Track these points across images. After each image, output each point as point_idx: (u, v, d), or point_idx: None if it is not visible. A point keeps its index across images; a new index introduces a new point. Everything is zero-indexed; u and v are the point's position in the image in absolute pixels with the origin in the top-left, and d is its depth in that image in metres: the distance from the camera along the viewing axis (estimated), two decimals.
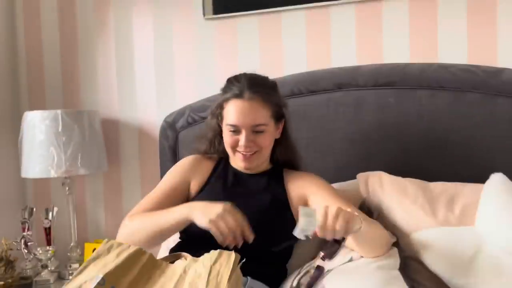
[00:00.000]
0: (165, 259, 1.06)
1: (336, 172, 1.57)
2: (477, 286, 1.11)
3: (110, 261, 0.97)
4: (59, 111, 1.79)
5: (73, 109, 2.04)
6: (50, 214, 1.88)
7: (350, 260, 1.11)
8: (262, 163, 1.32)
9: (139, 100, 1.99)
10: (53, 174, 1.78)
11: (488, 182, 1.28)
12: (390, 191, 1.35)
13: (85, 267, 0.99)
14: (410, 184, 1.37)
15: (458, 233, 1.19)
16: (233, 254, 0.96)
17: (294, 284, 1.11)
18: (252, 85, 1.21)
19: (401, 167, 1.53)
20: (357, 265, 1.09)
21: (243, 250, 1.02)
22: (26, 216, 1.86)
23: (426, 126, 1.56)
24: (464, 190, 1.33)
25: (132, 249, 1.00)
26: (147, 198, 1.28)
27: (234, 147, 1.24)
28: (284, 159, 1.35)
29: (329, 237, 0.96)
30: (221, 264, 0.94)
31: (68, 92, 2.09)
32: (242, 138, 1.22)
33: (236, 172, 1.31)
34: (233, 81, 1.25)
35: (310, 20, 1.79)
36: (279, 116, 1.29)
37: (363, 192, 1.39)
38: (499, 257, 1.11)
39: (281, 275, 1.24)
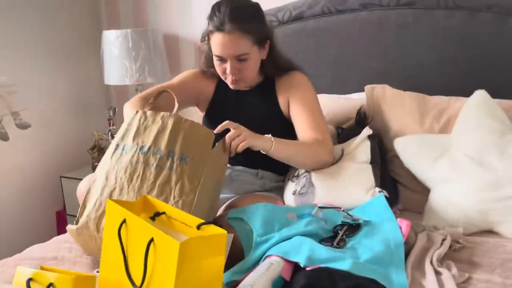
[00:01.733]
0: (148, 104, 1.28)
1: (359, 84, 1.79)
2: (436, 180, 1.36)
3: (122, 128, 1.18)
4: (128, 30, 2.17)
5: (140, 27, 2.41)
6: None
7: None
8: (252, 81, 1.44)
9: (194, 17, 2.30)
10: (127, 81, 2.22)
11: (471, 97, 1.45)
12: (390, 101, 1.58)
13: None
14: (409, 97, 1.58)
15: (432, 139, 1.42)
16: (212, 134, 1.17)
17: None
18: (232, 17, 1.27)
19: (415, 82, 1.73)
20: (337, 165, 1.38)
21: (249, 152, 1.27)
22: (111, 114, 2.35)
23: (440, 43, 1.70)
24: (456, 103, 1.52)
25: (132, 117, 1.19)
26: (157, 86, 1.47)
27: (223, 73, 1.37)
28: (274, 71, 1.45)
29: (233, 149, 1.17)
30: (204, 136, 1.15)
31: (138, 12, 2.45)
32: (227, 67, 1.33)
33: (234, 91, 1.44)
34: (215, 10, 1.31)
35: None
36: (262, 40, 1.35)
37: (368, 101, 1.63)
38: (458, 158, 1.33)
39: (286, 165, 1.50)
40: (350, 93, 1.81)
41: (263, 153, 1.26)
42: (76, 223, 1.11)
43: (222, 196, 1.41)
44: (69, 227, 1.12)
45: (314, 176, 1.34)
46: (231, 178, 1.44)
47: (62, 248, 1.25)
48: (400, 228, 1.13)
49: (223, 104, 1.48)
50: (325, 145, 1.35)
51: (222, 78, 1.40)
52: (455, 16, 1.66)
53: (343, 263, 0.98)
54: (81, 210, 1.13)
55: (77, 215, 1.13)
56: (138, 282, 0.83)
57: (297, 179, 1.40)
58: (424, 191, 1.41)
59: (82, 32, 2.47)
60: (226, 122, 1.21)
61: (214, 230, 0.87)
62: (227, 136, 1.19)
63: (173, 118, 1.15)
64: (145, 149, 1.13)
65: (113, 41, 2.18)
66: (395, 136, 1.50)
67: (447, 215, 1.28)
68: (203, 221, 0.89)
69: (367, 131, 1.44)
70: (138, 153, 1.12)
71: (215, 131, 1.19)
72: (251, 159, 1.41)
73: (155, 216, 0.97)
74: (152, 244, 0.82)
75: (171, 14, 2.36)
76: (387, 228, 1.13)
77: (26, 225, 2.24)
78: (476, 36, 1.63)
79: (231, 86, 1.40)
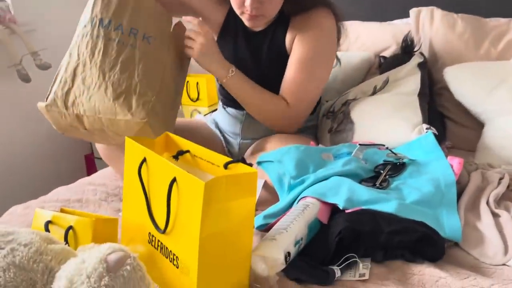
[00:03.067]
0: None
1: (402, 9, 1.59)
2: (492, 113, 1.21)
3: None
4: None
5: None
6: None
7: (373, 92, 1.25)
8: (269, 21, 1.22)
9: None
10: None
11: None
12: (438, 25, 1.40)
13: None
14: (461, 20, 1.39)
15: (489, 67, 1.24)
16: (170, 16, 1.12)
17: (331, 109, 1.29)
18: None
19: (467, 4, 1.52)
20: (380, 94, 1.24)
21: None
22: None
23: None
24: None
25: None
26: None
27: (241, 6, 1.13)
28: (294, 8, 1.20)
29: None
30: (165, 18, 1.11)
31: None
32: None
33: (245, 30, 1.26)
34: None
35: None
36: None
37: (413, 25, 1.44)
38: None
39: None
40: (392, 19, 1.62)
41: None
42: (46, 100, 1.08)
43: (244, 142, 1.33)
44: (39, 104, 1.09)
45: (353, 111, 1.22)
46: (253, 124, 1.29)
47: (87, 190, 1.21)
48: (451, 166, 1.00)
49: (229, 42, 1.28)
50: (288, 112, 1.19)
51: (238, 13, 1.16)
52: None
53: (387, 205, 0.88)
54: (51, 87, 1.09)
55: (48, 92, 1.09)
56: (162, 225, 0.76)
57: (332, 115, 1.28)
58: (476, 126, 1.26)
59: None
60: (198, 20, 1.10)
61: (243, 168, 0.78)
62: (186, 31, 1.09)
63: None
64: (105, 22, 1.06)
65: None
66: (445, 65, 1.33)
67: (504, 151, 1.13)
68: (230, 159, 0.80)
69: (417, 58, 1.27)
70: (98, 27, 1.06)
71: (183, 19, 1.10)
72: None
73: (178, 154, 0.88)
74: (175, 185, 0.74)
75: None
76: (437, 166, 1.01)
77: (55, 169, 2.24)
78: None
79: (247, 23, 1.17)
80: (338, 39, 1.27)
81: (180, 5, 1.28)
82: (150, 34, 1.06)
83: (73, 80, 1.05)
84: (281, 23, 1.22)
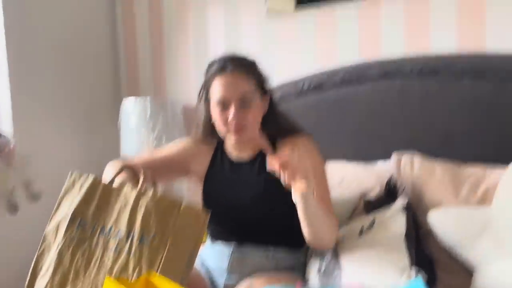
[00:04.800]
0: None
1: (383, 153, 1.69)
2: (480, 261, 1.20)
3: (75, 196, 1.09)
4: (148, 98, 2.17)
5: (159, 96, 2.42)
6: None
7: (361, 232, 1.27)
8: (254, 138, 1.32)
9: None
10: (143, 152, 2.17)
11: (510, 164, 1.34)
12: (419, 171, 1.47)
13: (59, 205, 1.10)
14: (440, 167, 1.47)
15: (470, 213, 1.28)
16: (178, 202, 1.07)
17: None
18: (232, 60, 1.26)
19: (444, 151, 1.62)
20: (367, 235, 1.25)
21: (254, 233, 1.22)
22: None
23: (467, 114, 1.62)
24: (492, 173, 1.40)
25: (90, 179, 1.10)
26: (142, 156, 1.41)
27: (225, 124, 1.25)
28: (276, 130, 1.34)
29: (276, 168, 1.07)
30: (169, 208, 1.06)
31: (157, 82, 2.48)
32: (231, 111, 1.23)
33: (231, 161, 1.35)
34: (213, 62, 1.29)
35: (362, 15, 1.91)
36: (263, 89, 1.31)
37: (395, 170, 1.52)
38: (504, 235, 1.19)
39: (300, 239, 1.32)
40: (375, 160, 1.71)
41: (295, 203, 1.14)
42: None
43: (230, 281, 1.29)
44: None
45: (341, 251, 1.21)
46: (241, 259, 1.30)
47: None
48: None
49: (218, 176, 1.35)
50: (336, 223, 1.25)
51: (223, 131, 1.28)
52: (483, 86, 1.59)
53: None
54: (28, 283, 1.05)
55: None
56: None
57: (321, 254, 1.27)
58: (465, 274, 1.25)
59: (102, 100, 2.49)
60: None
61: None
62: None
63: (135, 193, 1.09)
64: (106, 229, 1.07)
65: (131, 109, 2.17)
66: (428, 208, 1.37)
67: None
68: None
69: (402, 200, 1.32)
70: (98, 235, 1.06)
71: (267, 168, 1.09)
72: (261, 234, 1.28)
73: None
74: None
75: (190, 86, 2.37)
76: None
77: None
78: (507, 105, 1.55)
79: (233, 138, 1.27)
80: None
81: (168, 167, 1.37)
82: (148, 234, 1.04)
83: None
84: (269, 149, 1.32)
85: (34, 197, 1.88)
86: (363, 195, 1.51)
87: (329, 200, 1.28)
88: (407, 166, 1.50)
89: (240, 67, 1.26)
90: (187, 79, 2.38)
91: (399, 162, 1.53)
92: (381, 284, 1.12)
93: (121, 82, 2.59)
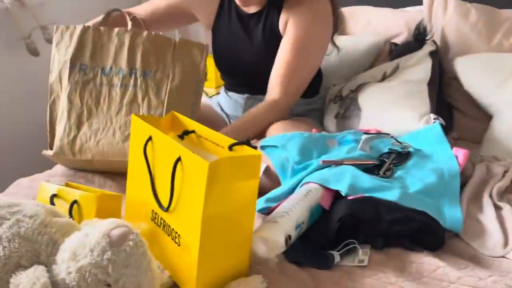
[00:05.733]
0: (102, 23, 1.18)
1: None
2: (501, 105, 1.19)
3: (68, 45, 1.12)
4: None
5: None
6: None
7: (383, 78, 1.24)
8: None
9: None
10: None
11: None
12: (451, 14, 1.37)
13: (54, 55, 1.14)
14: (475, 10, 1.36)
15: (501, 58, 1.23)
16: (172, 38, 1.10)
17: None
18: None
19: None
20: (389, 80, 1.23)
21: (264, 85, 1.18)
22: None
23: None
24: None
25: (78, 28, 1.12)
26: (143, 5, 1.35)
27: None
28: None
29: None
30: (165, 44, 1.09)
31: None
32: None
33: (239, 13, 1.26)
34: None
35: None
36: None
37: (426, 13, 1.42)
38: None
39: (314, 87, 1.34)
40: (405, 6, 1.59)
41: None
42: (50, 148, 1.13)
43: None
44: (45, 152, 1.14)
45: (361, 97, 1.21)
46: (251, 106, 1.28)
47: None
48: (456, 157, 1.00)
49: (225, 28, 1.28)
50: (275, 108, 1.18)
51: None
52: None
53: (390, 194, 0.88)
54: (51, 134, 1.14)
55: (49, 139, 1.15)
56: (165, 203, 0.77)
57: (340, 100, 1.27)
58: (484, 118, 1.25)
59: None
60: None
61: (247, 150, 0.78)
62: None
63: (129, 33, 1.11)
64: (107, 70, 1.11)
65: None
66: (456, 55, 1.32)
67: (511, 144, 1.13)
68: (235, 141, 0.80)
69: (430, 46, 1.26)
70: (101, 75, 1.11)
71: None
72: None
73: (184, 134, 0.89)
74: (179, 164, 0.74)
75: None
76: (441, 157, 1.01)
77: None
78: None
79: (239, 2, 1.18)
80: (335, 25, 1.25)
81: (172, 14, 1.31)
82: (150, 69, 1.09)
83: (78, 127, 1.10)
84: (275, 4, 1.21)
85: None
86: (389, 40, 1.45)
87: (298, 82, 1.20)
88: (439, 8, 1.39)
89: None
90: None
91: (431, 3, 1.42)
92: (400, 129, 1.14)
93: None
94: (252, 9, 1.25)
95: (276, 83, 1.19)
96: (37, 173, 1.21)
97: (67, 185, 0.92)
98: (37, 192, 1.02)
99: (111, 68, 1.11)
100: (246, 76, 1.30)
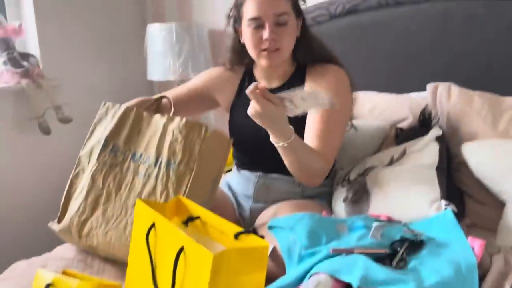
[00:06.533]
0: (146, 108, 1.19)
1: (418, 82, 1.60)
2: None
3: (108, 123, 1.14)
4: (173, 24, 2.10)
5: (185, 20, 2.34)
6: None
7: (391, 162, 1.24)
8: (283, 65, 1.27)
9: None
10: (170, 77, 2.15)
11: None
12: (455, 101, 1.40)
13: (93, 131, 1.16)
14: (479, 97, 1.39)
15: (508, 146, 1.22)
16: (203, 127, 1.08)
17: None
18: None
19: (484, 81, 1.52)
20: (397, 165, 1.22)
21: (279, 163, 1.14)
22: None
23: None
24: None
25: (122, 108, 1.14)
26: (172, 91, 1.39)
27: (258, 44, 1.19)
28: (307, 55, 1.27)
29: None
30: (194, 133, 1.07)
31: (182, 5, 2.39)
32: (265, 31, 1.16)
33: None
34: None
35: None
36: (298, 10, 1.24)
37: (430, 99, 1.45)
38: None
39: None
40: (409, 92, 1.63)
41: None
42: (59, 221, 1.10)
43: (256, 205, 1.31)
44: (51, 225, 1.10)
45: (370, 182, 1.19)
46: (266, 187, 1.30)
47: None
48: (472, 248, 0.96)
49: (244, 106, 1.29)
50: (325, 162, 1.17)
51: (255, 54, 1.22)
52: None
53: (405, 287, 0.82)
54: (64, 207, 1.11)
55: (60, 211, 1.11)
56: None
57: (348, 183, 1.25)
58: (497, 204, 1.22)
59: (127, 25, 2.43)
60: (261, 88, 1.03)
61: (254, 241, 0.75)
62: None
63: (164, 120, 1.10)
64: (137, 156, 1.10)
65: (157, 35, 2.12)
66: (463, 140, 1.32)
67: None
68: (242, 229, 0.77)
69: (436, 131, 1.26)
70: (130, 160, 1.10)
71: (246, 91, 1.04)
72: (285, 165, 1.23)
73: (189, 220, 0.86)
74: (182, 254, 0.71)
75: (217, 9, 2.27)
76: (457, 247, 0.96)
77: None
78: None
79: (265, 61, 1.21)
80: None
81: (193, 99, 1.34)
82: (175, 159, 1.06)
83: (93, 210, 1.07)
84: (297, 79, 1.26)
85: (64, 120, 1.91)
86: (394, 124, 1.46)
87: (335, 141, 1.21)
88: (444, 95, 1.42)
89: None
90: (213, 2, 2.28)
91: (435, 91, 1.45)
92: (410, 216, 1.11)
93: (146, 6, 2.50)
94: (274, 83, 1.29)
95: (315, 142, 1.17)
96: (39, 254, 1.16)
97: (64, 273, 0.87)
98: (33, 277, 0.98)
99: (141, 155, 1.09)
100: (262, 153, 1.26)
